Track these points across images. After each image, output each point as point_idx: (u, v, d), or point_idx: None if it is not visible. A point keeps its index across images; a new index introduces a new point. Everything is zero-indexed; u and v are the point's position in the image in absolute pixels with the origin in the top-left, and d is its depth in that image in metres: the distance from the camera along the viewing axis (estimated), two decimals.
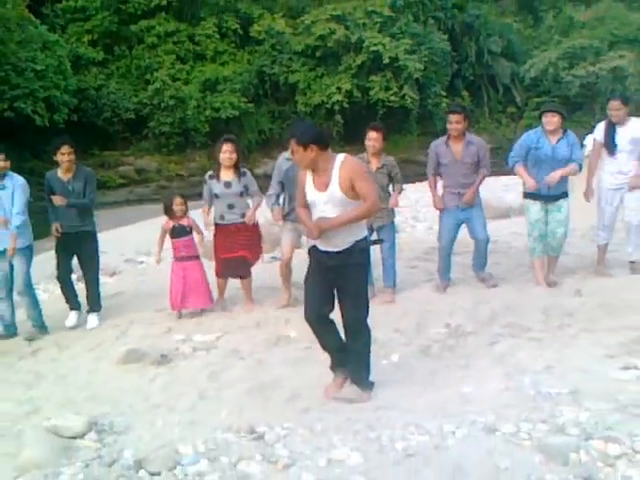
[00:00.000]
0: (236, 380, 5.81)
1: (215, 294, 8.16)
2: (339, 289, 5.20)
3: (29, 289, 7.86)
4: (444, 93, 41.41)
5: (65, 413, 5.04)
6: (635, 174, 7.85)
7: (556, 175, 7.49)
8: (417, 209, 16.50)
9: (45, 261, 12.92)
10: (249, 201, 8.01)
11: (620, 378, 4.99)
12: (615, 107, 7.90)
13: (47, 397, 5.80)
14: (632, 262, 8.06)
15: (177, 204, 7.98)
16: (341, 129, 37.10)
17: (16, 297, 7.89)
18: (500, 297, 7.53)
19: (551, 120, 7.69)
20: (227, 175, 7.82)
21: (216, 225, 7.95)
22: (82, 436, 4.72)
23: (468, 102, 42.98)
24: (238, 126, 35.93)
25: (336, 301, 5.24)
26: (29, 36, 30.81)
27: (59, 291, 9.43)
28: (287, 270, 7.92)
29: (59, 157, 7.74)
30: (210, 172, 7.98)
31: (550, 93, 43.81)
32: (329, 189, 4.96)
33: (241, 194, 7.86)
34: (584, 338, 6.09)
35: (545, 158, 7.66)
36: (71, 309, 8.13)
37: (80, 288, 8.46)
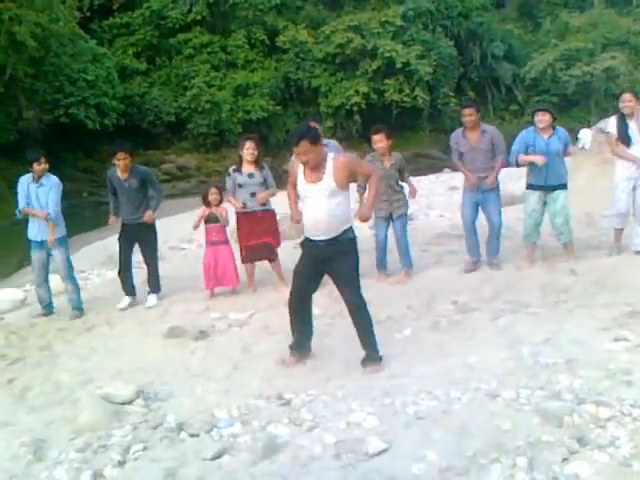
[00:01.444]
0: (266, 353, 5.84)
1: (243, 277, 8.16)
2: (334, 277, 5.30)
3: (71, 275, 8.03)
4: (452, 93, 41.17)
5: (115, 382, 5.09)
6: None
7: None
8: (430, 198, 16.42)
9: (98, 250, 13.08)
10: None
11: (612, 349, 4.94)
12: (627, 99, 7.75)
13: (100, 368, 5.87)
14: (638, 252, 7.79)
15: (212, 193, 8.06)
16: (360, 128, 36.94)
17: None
18: (502, 277, 7.49)
19: (542, 118, 7.70)
20: (249, 168, 7.90)
21: (239, 214, 7.98)
22: (130, 402, 4.78)
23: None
24: (267, 126, 36.00)
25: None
26: (80, 50, 31.05)
27: (110, 275, 9.54)
28: None
29: (116, 161, 7.97)
30: (233, 167, 8.05)
31: (549, 92, 43.40)
32: (323, 181, 5.01)
33: (262, 184, 7.91)
34: (579, 313, 6.03)
35: (541, 153, 7.62)
36: (126, 294, 8.16)
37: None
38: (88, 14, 34.47)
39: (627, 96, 7.83)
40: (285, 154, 36.61)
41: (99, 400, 4.77)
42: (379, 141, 7.75)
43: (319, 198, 5.05)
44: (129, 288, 8.18)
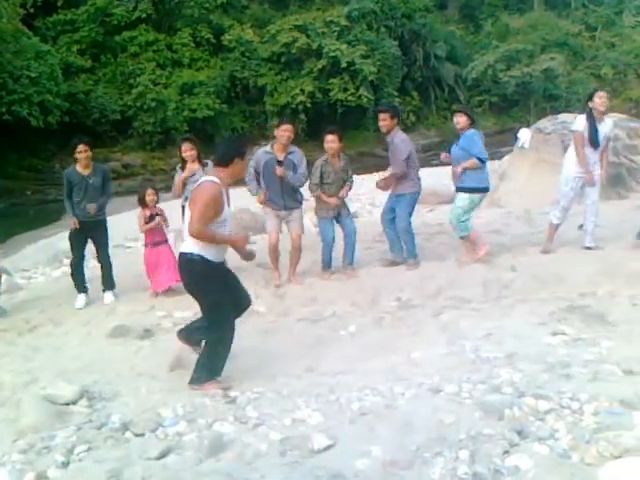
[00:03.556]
0: None
1: None
2: None
3: None
4: (396, 93, 41.34)
5: (59, 382, 5.00)
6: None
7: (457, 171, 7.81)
8: (374, 196, 16.48)
9: (42, 248, 12.80)
10: None
11: (550, 343, 5.05)
12: (603, 96, 7.83)
13: (43, 368, 5.74)
14: (587, 248, 7.92)
15: (149, 194, 8.03)
16: (305, 126, 36.88)
17: None
18: (444, 273, 7.56)
19: (458, 120, 7.87)
20: (194, 168, 7.92)
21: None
22: (74, 403, 4.71)
23: (417, 101, 43.08)
24: (213, 125, 35.70)
25: None
26: (23, 47, 30.26)
27: (55, 274, 9.33)
28: (276, 253, 7.86)
29: (77, 155, 7.78)
30: (178, 167, 8.14)
31: (490, 92, 43.98)
32: None
33: None
34: (519, 308, 6.15)
35: (452, 155, 7.95)
36: (80, 292, 8.01)
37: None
38: (32, 11, 33.75)
39: (602, 93, 7.92)
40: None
41: (42, 401, 4.67)
42: (332, 142, 7.78)
43: None
44: (83, 286, 8.05)
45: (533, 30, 46.42)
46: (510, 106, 44.15)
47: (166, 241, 8.17)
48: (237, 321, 6.57)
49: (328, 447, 3.55)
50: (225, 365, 5.19)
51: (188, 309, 7.11)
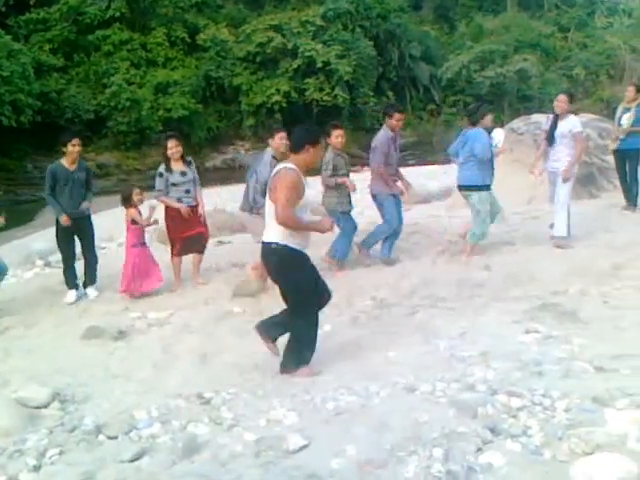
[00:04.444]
0: (186, 352, 5.78)
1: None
2: None
3: None
4: (371, 93, 41.52)
5: (31, 385, 4.94)
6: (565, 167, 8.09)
7: None
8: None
9: (15, 249, 12.60)
10: None
11: (524, 341, 5.09)
12: (560, 99, 8.24)
13: (15, 371, 5.65)
14: (553, 237, 8.19)
15: (137, 194, 7.88)
16: (280, 126, 36.88)
17: None
18: (419, 273, 7.59)
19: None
20: (179, 166, 7.86)
21: (171, 210, 7.87)
22: (46, 406, 4.66)
23: (393, 100, 43.21)
24: (188, 125, 35.56)
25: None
26: None
27: (27, 276, 9.22)
28: None
29: (70, 148, 7.73)
30: (163, 167, 7.90)
31: (464, 92, 44.27)
32: None
33: (193, 180, 7.95)
34: (493, 307, 6.18)
35: None
36: (70, 288, 7.94)
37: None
38: (3, 9, 33.47)
39: (561, 97, 8.27)
40: (207, 152, 36.39)
41: (14, 404, 4.61)
42: (341, 135, 7.89)
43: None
44: (75, 282, 8.00)
45: (507, 31, 46.86)
46: None
47: (145, 243, 8.10)
48: (211, 323, 6.61)
49: (303, 447, 3.54)
50: (198, 367, 5.18)
51: (163, 310, 7.11)
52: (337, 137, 7.82)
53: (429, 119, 45.95)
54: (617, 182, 10.52)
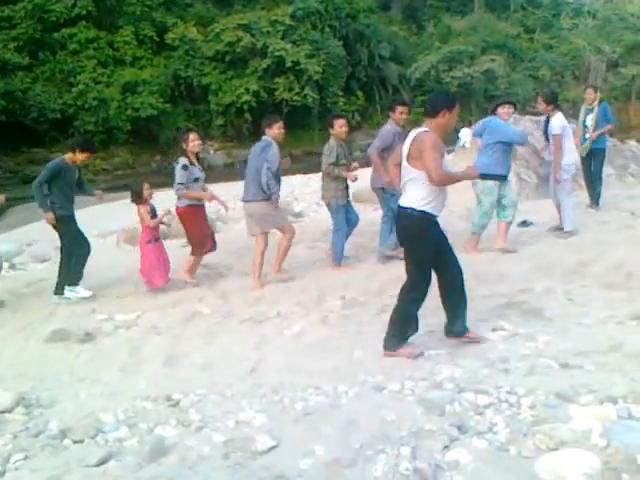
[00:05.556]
0: (154, 354, 5.73)
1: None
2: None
3: None
4: (341, 93, 41.56)
5: None
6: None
7: None
8: (319, 195, 16.48)
9: None
10: None
11: (490, 338, 5.15)
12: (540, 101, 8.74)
13: None
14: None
15: (147, 189, 7.74)
16: (250, 126, 36.78)
17: None
18: (387, 272, 7.61)
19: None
20: (196, 162, 7.79)
21: (195, 207, 7.73)
22: (10, 410, 4.57)
23: (362, 100, 43.32)
24: (157, 124, 35.28)
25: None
26: None
27: None
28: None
29: (88, 155, 7.90)
30: (186, 160, 7.59)
31: (433, 92, 44.50)
32: None
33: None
34: None
35: None
36: (77, 285, 7.77)
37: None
38: None
39: (538, 98, 8.85)
40: (176, 152, 36.13)
41: None
42: (345, 125, 7.93)
43: None
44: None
45: (474, 32, 47.21)
46: None
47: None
48: (179, 324, 6.56)
49: (272, 448, 3.55)
50: (166, 369, 5.13)
51: (130, 312, 7.04)
52: (341, 127, 7.85)
53: None
54: (582, 181, 10.71)
